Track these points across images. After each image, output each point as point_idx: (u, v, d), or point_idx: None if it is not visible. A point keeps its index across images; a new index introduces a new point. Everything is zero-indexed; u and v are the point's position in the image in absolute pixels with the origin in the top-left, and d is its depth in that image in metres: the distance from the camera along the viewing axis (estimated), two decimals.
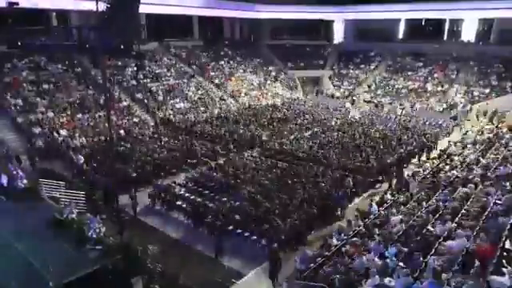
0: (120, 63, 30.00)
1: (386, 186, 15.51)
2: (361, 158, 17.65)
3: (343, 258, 8.89)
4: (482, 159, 15.36)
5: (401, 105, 31.13)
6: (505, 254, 7.11)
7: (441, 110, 29.01)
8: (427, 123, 25.69)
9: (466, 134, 22.65)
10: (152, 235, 11.87)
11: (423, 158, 18.90)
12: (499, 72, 31.64)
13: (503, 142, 18.28)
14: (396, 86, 34.59)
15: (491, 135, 20.22)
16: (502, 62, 32.26)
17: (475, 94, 30.25)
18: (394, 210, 11.39)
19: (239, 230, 11.74)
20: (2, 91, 22.40)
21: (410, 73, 35.95)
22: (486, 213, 9.22)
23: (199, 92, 31.12)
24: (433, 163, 16.95)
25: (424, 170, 15.98)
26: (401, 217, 10.41)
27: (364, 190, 15.16)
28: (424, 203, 11.41)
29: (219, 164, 17.55)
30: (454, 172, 14.08)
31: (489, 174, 12.78)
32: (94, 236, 10.05)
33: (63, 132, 20.77)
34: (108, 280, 8.62)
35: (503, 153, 15.77)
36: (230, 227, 11.90)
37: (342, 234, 10.46)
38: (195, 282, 9.57)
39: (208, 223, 12.20)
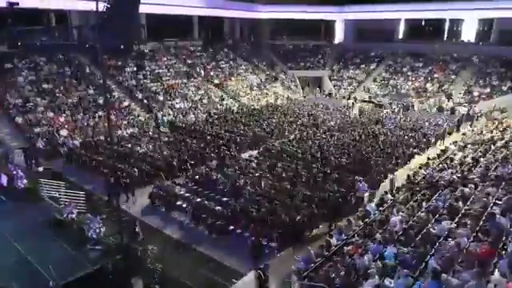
0: (120, 63, 30.00)
1: (385, 185, 15.48)
2: (361, 158, 17.64)
3: (344, 258, 8.89)
4: (482, 159, 15.35)
5: (400, 105, 31.14)
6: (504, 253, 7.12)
7: (440, 110, 29.10)
8: (427, 123, 25.67)
9: (464, 134, 22.67)
10: (152, 235, 11.87)
11: (423, 157, 18.87)
12: (499, 72, 31.64)
13: (503, 142, 18.28)
14: (396, 86, 34.61)
15: (490, 135, 20.22)
16: (501, 63, 32.27)
17: (475, 94, 30.27)
18: (395, 210, 11.39)
19: (239, 230, 11.75)
20: (3, 91, 22.41)
21: (409, 73, 35.97)
22: (486, 213, 9.22)
23: (199, 92, 31.12)
24: (433, 163, 16.95)
25: (424, 170, 15.98)
26: (400, 217, 10.41)
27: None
28: (424, 203, 11.41)
29: (219, 164, 17.55)
30: (454, 172, 14.07)
31: (489, 173, 12.78)
32: (94, 236, 10.08)
33: (63, 132, 20.79)
34: (108, 280, 8.64)
35: (503, 153, 15.76)
36: (231, 227, 11.92)
37: (343, 235, 10.46)
38: (195, 281, 9.57)
39: (208, 223, 12.20)
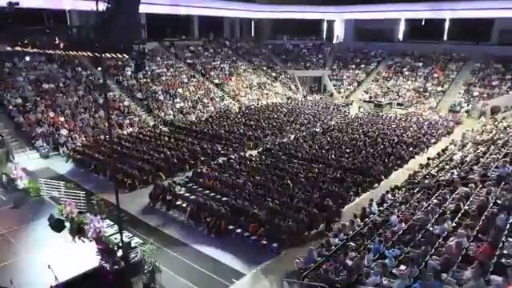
0: (120, 63, 29.95)
1: (385, 185, 15.49)
2: (360, 158, 17.65)
3: (345, 257, 8.89)
4: (481, 159, 15.34)
5: (400, 104, 31.13)
6: (505, 251, 7.12)
7: (440, 109, 29.09)
8: (426, 123, 25.67)
9: (464, 134, 22.67)
10: (152, 235, 11.86)
11: (423, 157, 18.87)
12: (499, 72, 31.64)
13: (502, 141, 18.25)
14: (396, 86, 34.59)
15: (491, 135, 20.20)
16: (501, 62, 32.27)
17: (475, 94, 30.26)
18: (396, 210, 11.40)
19: (239, 230, 11.75)
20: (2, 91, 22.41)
21: (409, 73, 35.96)
22: (486, 212, 9.23)
23: (199, 92, 31.11)
24: (433, 163, 16.95)
25: (424, 170, 15.97)
26: (397, 214, 10.43)
27: (364, 190, 15.14)
28: (424, 203, 11.41)
29: (219, 164, 17.57)
30: (454, 171, 14.07)
31: (489, 173, 12.77)
32: (94, 236, 10.08)
33: (63, 132, 20.78)
34: (108, 280, 8.64)
35: (503, 153, 15.74)
36: (231, 227, 11.92)
37: (342, 234, 10.47)
38: (195, 281, 9.57)
39: (208, 222, 12.20)
